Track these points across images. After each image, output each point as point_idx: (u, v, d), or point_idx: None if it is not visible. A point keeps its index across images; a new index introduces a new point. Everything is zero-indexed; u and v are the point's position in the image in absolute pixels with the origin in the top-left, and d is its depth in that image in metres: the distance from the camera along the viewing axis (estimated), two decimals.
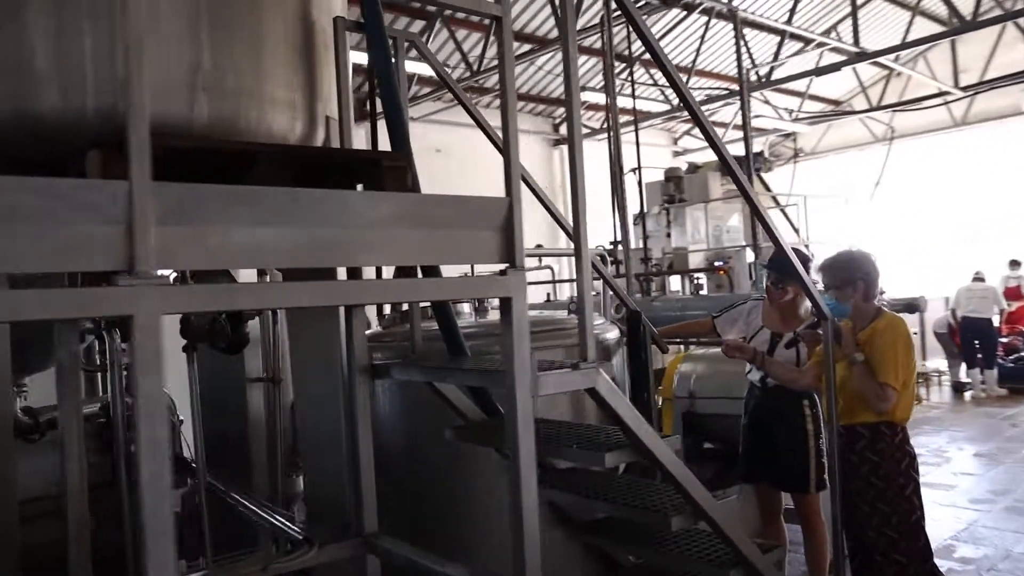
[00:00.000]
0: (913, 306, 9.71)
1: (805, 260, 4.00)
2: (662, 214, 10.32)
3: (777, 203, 14.55)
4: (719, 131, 9.41)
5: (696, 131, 14.61)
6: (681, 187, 10.59)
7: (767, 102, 15.62)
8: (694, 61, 13.35)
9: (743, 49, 10.47)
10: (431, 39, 10.84)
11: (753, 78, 12.77)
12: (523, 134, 11.36)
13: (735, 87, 11.95)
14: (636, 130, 8.02)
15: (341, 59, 2.80)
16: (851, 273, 3.46)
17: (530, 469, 2.14)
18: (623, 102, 13.45)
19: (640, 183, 8.94)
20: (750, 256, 9.54)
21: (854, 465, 3.32)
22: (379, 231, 2.00)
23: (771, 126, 16.33)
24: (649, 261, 8.28)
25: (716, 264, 9.18)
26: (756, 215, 3.28)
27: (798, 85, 14.79)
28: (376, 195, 2.24)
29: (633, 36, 8.21)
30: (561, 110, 12.50)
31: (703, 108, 4.45)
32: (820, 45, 13.18)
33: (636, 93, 8.36)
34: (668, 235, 10.55)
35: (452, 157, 12.53)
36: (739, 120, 10.14)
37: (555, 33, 11.56)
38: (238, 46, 2.25)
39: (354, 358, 2.80)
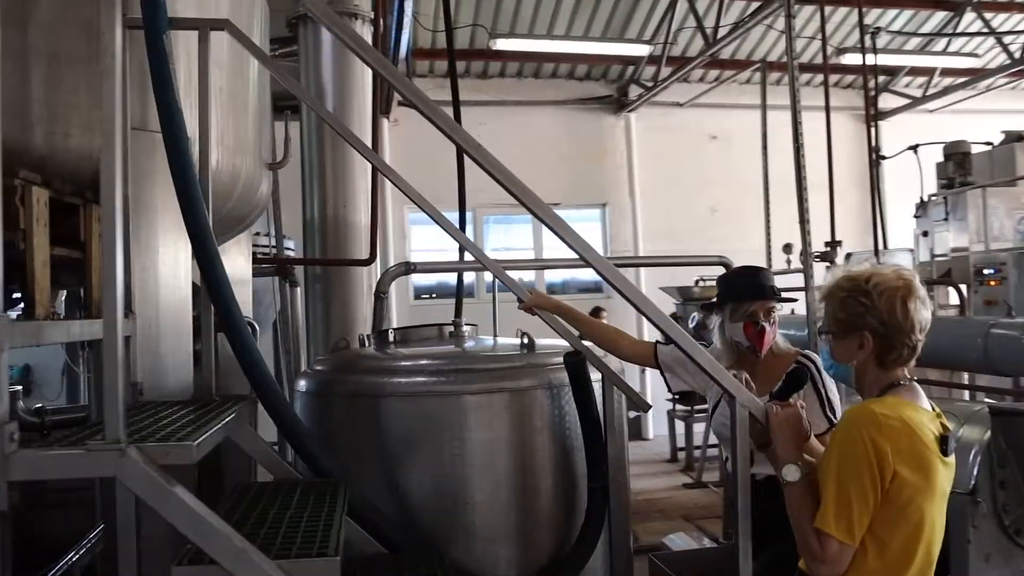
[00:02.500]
0: None
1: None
2: (938, 202, 7.77)
3: None
4: None
5: None
6: (967, 167, 7.87)
7: None
8: None
9: None
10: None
11: None
12: (834, 111, 9.73)
13: None
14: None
15: None
16: (856, 310, 1.91)
17: None
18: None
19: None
20: None
21: None
22: None
23: None
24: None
25: (985, 272, 6.60)
26: None
27: None
28: None
29: None
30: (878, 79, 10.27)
31: None
32: None
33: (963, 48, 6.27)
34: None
35: (730, 143, 11.26)
36: None
37: None
38: None
39: None
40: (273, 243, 5.52)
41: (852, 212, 10.17)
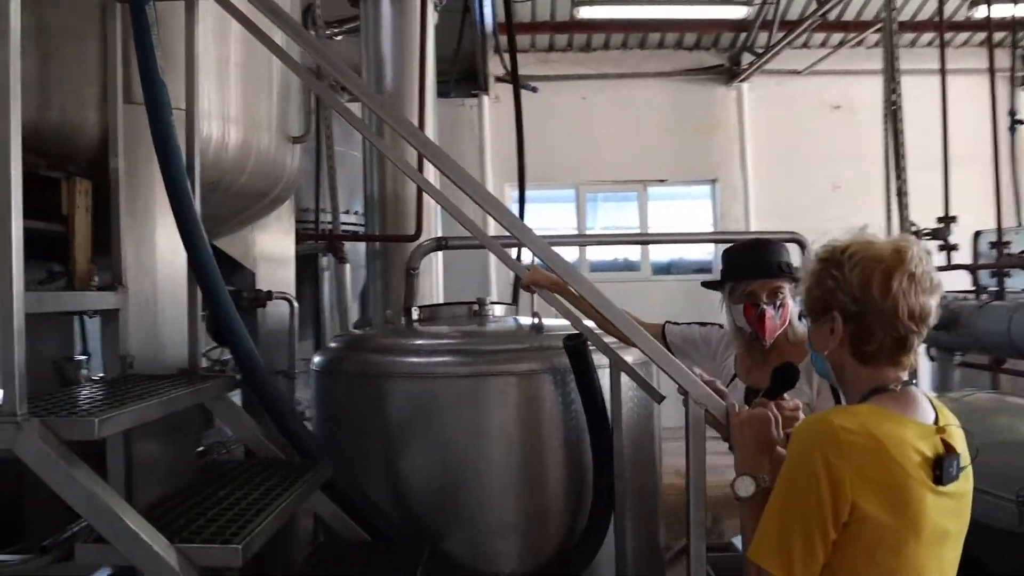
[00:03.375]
0: None
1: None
2: None
3: None
4: None
5: None
6: None
7: None
8: None
9: None
10: None
11: None
12: (966, 75, 8.76)
13: None
14: None
15: None
16: (828, 285, 1.56)
17: None
18: None
19: None
20: None
21: None
22: None
23: None
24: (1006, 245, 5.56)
25: None
26: None
27: None
28: None
29: None
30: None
31: None
32: None
33: None
34: None
35: (855, 113, 10.36)
36: None
37: None
38: None
39: None
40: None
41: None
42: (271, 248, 4.19)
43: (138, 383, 2.46)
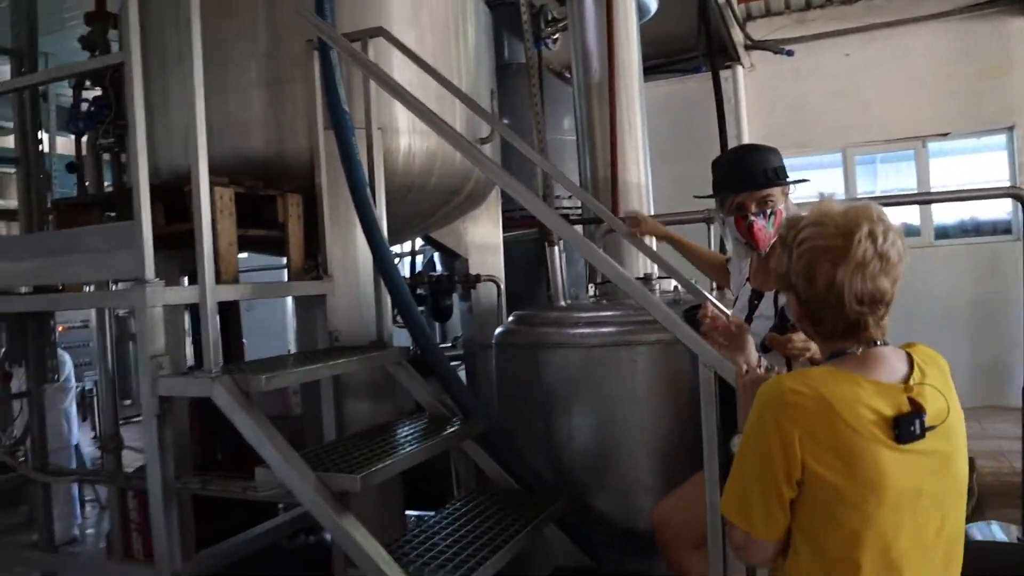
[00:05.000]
0: None
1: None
2: None
3: None
4: None
5: None
6: None
7: None
8: None
9: None
10: None
11: None
12: None
13: None
14: None
15: None
16: (783, 263, 1.59)
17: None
18: None
19: None
20: None
21: None
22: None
23: None
24: None
25: None
26: None
27: None
28: None
29: None
30: None
31: None
32: None
33: None
34: None
35: None
36: None
37: None
38: None
39: None
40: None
41: None
42: (481, 237, 4.77)
43: (334, 353, 3.14)
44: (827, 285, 1.51)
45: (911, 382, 1.51)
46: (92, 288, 3.40)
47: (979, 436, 7.39)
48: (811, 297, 1.54)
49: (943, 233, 9.44)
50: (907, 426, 1.46)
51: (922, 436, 1.48)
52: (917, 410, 1.48)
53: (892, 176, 10.13)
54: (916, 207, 9.36)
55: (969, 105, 9.15)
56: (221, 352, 2.50)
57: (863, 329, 1.53)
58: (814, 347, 1.85)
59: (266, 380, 2.42)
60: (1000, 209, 9.18)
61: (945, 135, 9.40)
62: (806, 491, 1.49)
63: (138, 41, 2.50)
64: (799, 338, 1.83)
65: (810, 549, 1.52)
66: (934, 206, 9.38)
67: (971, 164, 9.49)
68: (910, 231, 9.53)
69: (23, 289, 3.80)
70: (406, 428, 2.99)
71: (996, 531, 4.46)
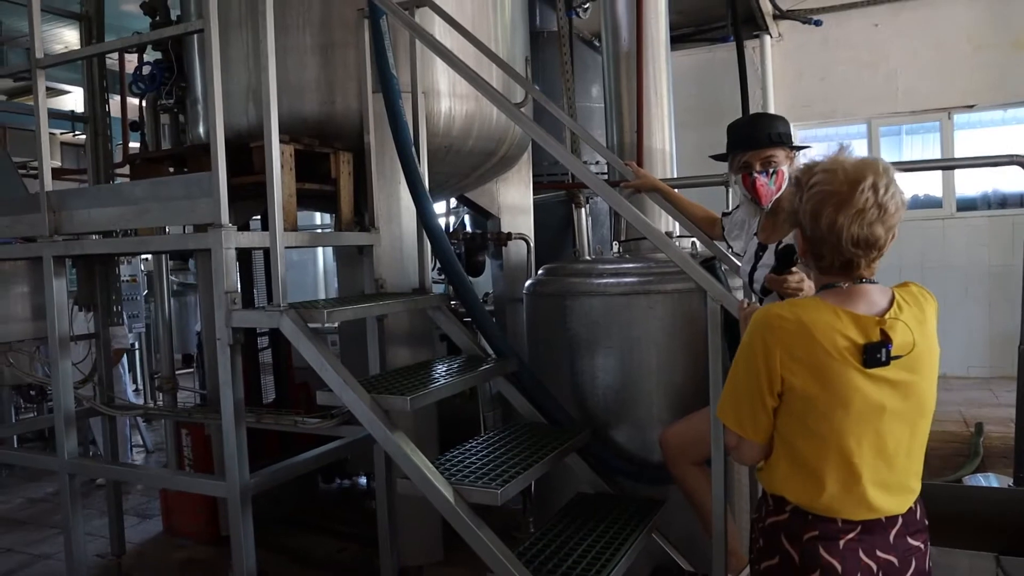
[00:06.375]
0: None
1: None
2: None
3: None
4: None
5: None
6: None
7: None
8: None
9: None
10: None
11: None
12: None
13: None
14: None
15: None
16: (794, 203, 1.82)
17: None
18: None
19: None
20: None
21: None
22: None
23: None
24: None
25: None
26: None
27: None
28: None
29: None
30: None
31: None
32: None
33: None
34: None
35: None
36: None
37: None
38: None
39: None
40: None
41: None
42: (512, 198, 5.06)
43: (381, 296, 3.47)
44: (829, 226, 1.72)
45: (886, 316, 1.75)
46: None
47: (992, 404, 7.61)
48: (815, 235, 1.78)
49: (971, 205, 9.53)
50: (874, 353, 1.70)
51: (887, 363, 1.72)
52: (885, 340, 1.72)
53: (917, 148, 10.20)
54: (939, 180, 9.48)
55: (996, 77, 9.21)
56: (288, 290, 2.84)
57: (855, 268, 1.78)
58: (807, 287, 2.13)
59: (328, 314, 2.75)
60: None
61: (971, 107, 9.47)
62: (785, 401, 1.77)
63: (216, 8, 2.78)
64: (794, 279, 2.10)
65: (786, 452, 1.81)
66: (958, 179, 9.48)
67: (997, 136, 9.55)
68: (932, 203, 9.65)
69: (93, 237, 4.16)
70: (445, 365, 3.32)
71: (992, 480, 4.75)
